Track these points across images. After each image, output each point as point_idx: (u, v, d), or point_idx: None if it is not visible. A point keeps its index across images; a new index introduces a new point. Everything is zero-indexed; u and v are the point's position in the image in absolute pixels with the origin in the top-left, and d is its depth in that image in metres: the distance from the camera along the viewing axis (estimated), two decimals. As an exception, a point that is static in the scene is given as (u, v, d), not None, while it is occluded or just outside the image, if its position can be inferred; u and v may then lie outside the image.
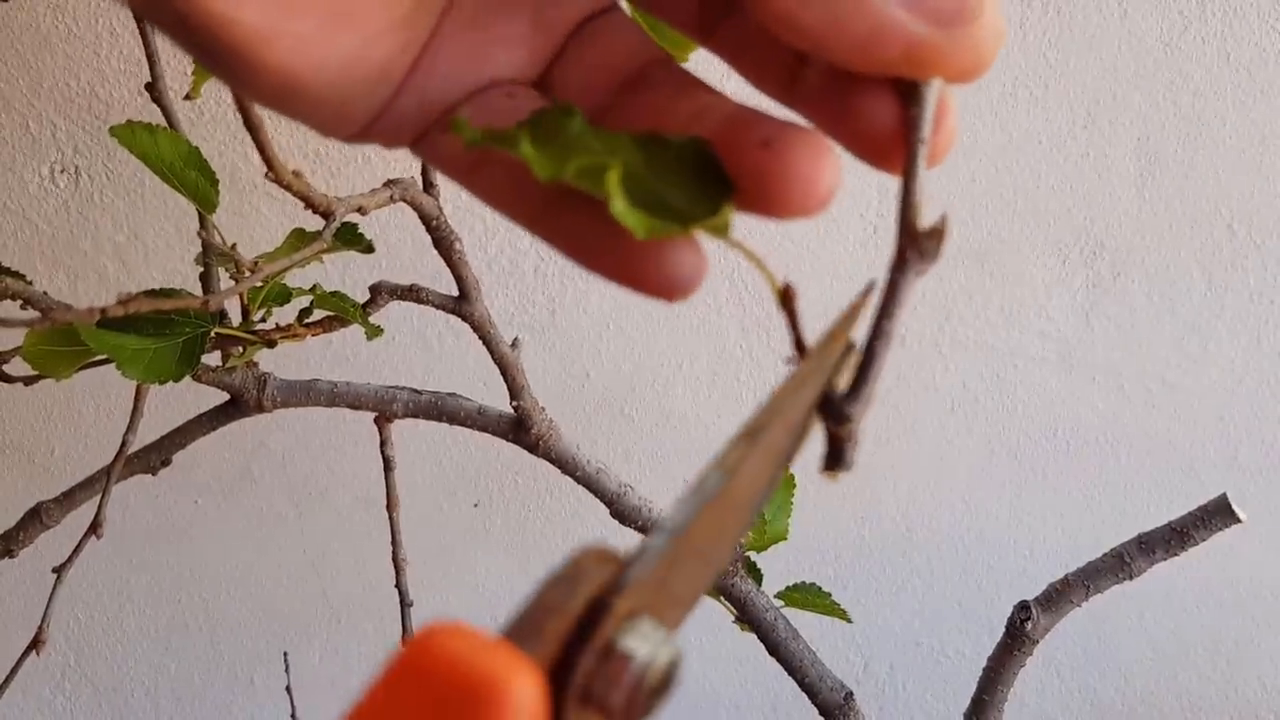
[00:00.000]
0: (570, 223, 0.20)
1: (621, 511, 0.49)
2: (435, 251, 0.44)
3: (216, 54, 0.19)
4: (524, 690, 0.14)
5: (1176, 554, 0.40)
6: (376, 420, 0.50)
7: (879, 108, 0.19)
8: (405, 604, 0.51)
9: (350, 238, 0.42)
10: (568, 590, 0.16)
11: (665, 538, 0.17)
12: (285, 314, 0.44)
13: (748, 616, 0.49)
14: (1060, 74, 0.66)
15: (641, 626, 0.17)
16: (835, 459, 0.20)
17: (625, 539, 0.47)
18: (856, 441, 0.20)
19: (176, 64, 0.53)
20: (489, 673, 0.14)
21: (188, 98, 0.49)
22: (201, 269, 0.44)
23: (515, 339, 0.47)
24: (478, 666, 0.14)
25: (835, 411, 0.20)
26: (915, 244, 0.19)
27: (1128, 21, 0.66)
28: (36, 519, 0.47)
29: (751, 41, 0.21)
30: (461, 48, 0.22)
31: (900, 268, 0.20)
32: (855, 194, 0.64)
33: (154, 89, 0.45)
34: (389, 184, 0.42)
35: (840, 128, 0.19)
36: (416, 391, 0.47)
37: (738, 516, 0.19)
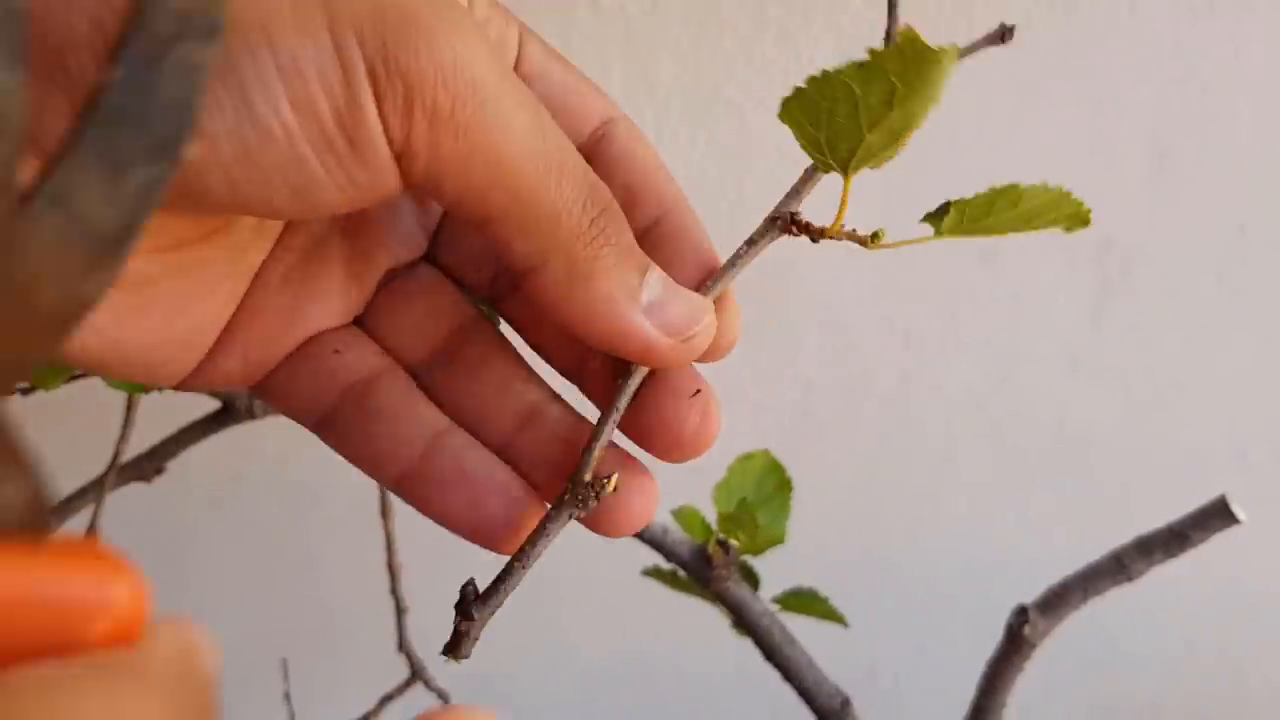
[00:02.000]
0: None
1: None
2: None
3: None
4: None
5: (1175, 555, 0.39)
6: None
7: (661, 408, 0.24)
8: (401, 610, 0.51)
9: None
10: None
11: None
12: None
13: (744, 621, 0.48)
14: (1067, 69, 0.66)
15: None
16: (453, 648, 0.22)
17: (620, 543, 0.46)
18: (475, 638, 0.22)
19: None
20: None
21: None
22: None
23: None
24: None
25: (464, 610, 0.22)
26: (577, 494, 0.23)
27: (1136, 16, 0.65)
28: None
29: (538, 319, 0.26)
30: (276, 309, 0.23)
31: (556, 510, 0.23)
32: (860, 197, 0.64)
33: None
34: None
35: (627, 424, 0.24)
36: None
37: None
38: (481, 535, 0.23)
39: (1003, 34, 0.25)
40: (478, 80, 0.19)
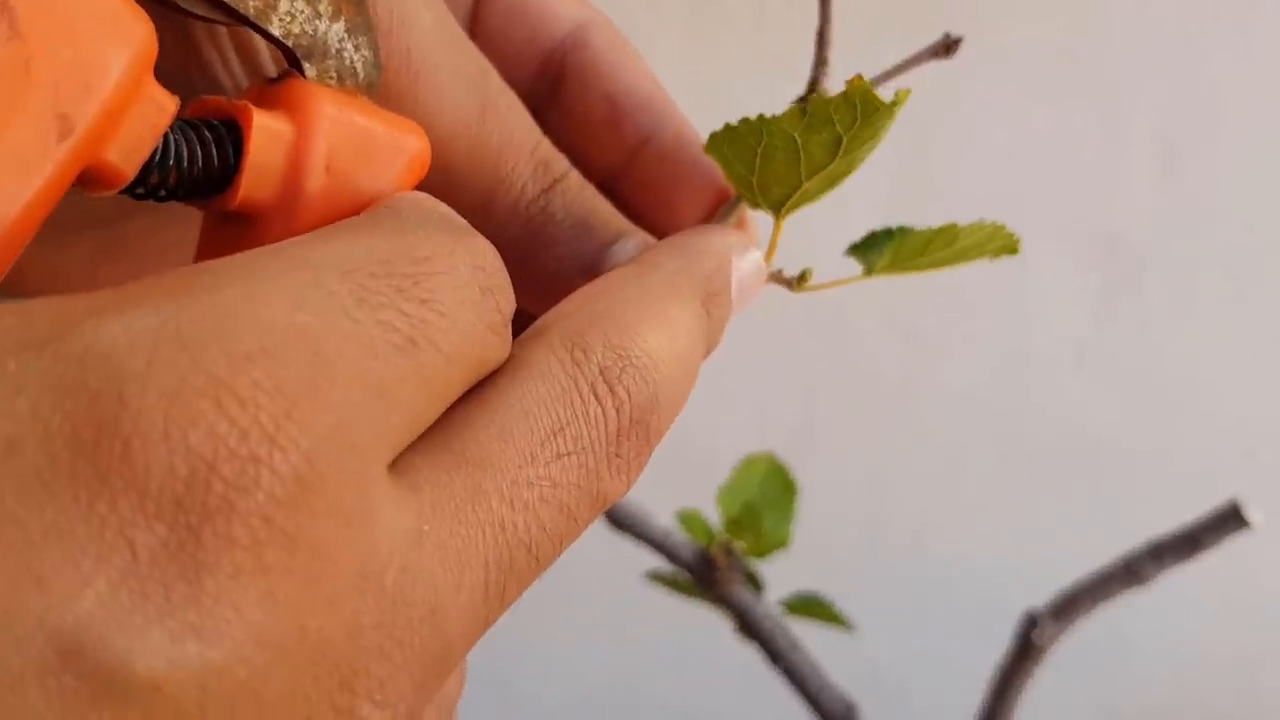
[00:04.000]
0: None
1: (617, 519, 0.48)
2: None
3: None
4: None
5: (1187, 560, 0.39)
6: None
7: None
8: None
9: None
10: None
11: None
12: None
13: (747, 625, 0.48)
14: (1076, 66, 0.65)
15: None
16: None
17: (621, 544, 0.46)
18: None
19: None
20: None
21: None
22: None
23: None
24: None
25: None
26: None
27: (1145, 12, 0.64)
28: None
29: None
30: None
31: None
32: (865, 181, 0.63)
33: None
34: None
35: None
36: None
37: None
38: None
39: (946, 46, 0.23)
40: (411, 41, 0.18)
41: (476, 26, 0.19)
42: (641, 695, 0.77)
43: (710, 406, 0.72)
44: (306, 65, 0.17)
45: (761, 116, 0.20)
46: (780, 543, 0.48)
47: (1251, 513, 0.37)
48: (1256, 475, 0.72)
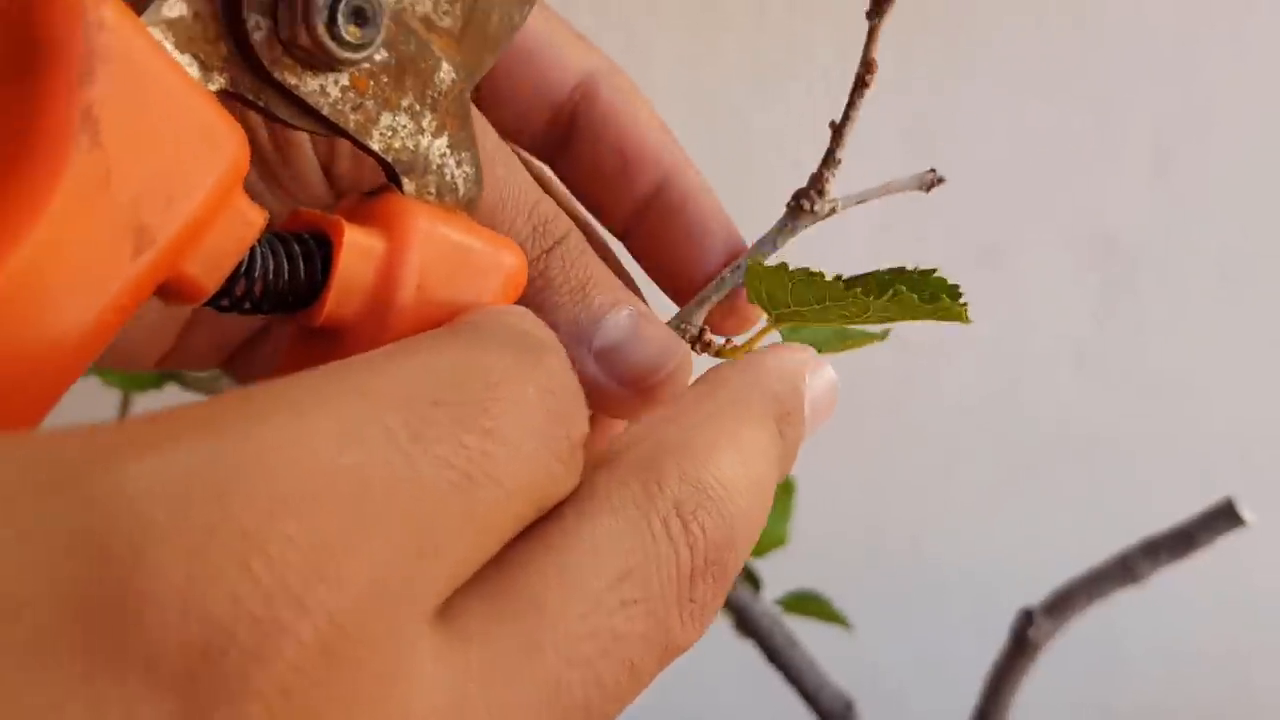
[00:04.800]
0: None
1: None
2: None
3: None
4: None
5: (1181, 557, 0.39)
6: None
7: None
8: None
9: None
10: None
11: None
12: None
13: (745, 623, 0.48)
14: (1073, 71, 0.65)
15: None
16: None
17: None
18: None
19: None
20: None
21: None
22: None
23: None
24: None
25: None
26: None
27: (1141, 17, 0.65)
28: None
29: None
30: None
31: None
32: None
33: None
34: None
35: None
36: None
37: None
38: None
39: (929, 183, 0.23)
40: None
41: (485, 78, 0.19)
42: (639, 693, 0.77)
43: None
44: (405, 180, 0.17)
45: (840, 280, 0.20)
46: (778, 541, 0.48)
47: (1245, 511, 0.38)
48: (1250, 475, 0.72)
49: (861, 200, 0.22)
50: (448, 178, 0.17)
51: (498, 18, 0.17)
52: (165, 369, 0.22)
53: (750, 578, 0.49)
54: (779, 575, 0.51)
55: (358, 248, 0.15)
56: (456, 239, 0.16)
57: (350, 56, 0.15)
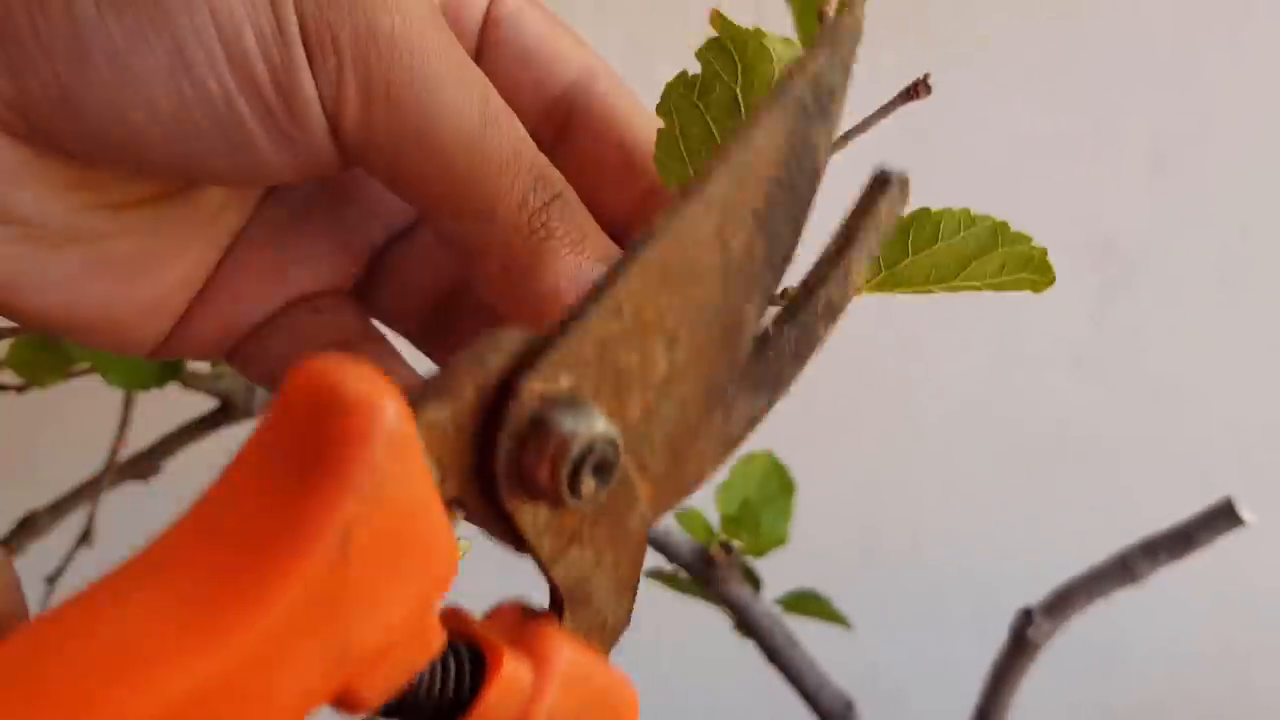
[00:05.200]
0: None
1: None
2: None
3: None
4: (389, 408, 0.13)
5: (1180, 557, 0.39)
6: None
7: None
8: (400, 612, 0.51)
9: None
10: (481, 358, 0.15)
11: (587, 304, 0.16)
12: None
13: (746, 622, 0.48)
14: (1070, 71, 0.65)
15: (571, 401, 0.16)
16: None
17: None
18: None
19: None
20: (353, 390, 0.13)
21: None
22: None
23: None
24: (344, 386, 0.13)
25: None
26: None
27: (1139, 18, 0.65)
28: (28, 527, 0.47)
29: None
30: (258, 270, 0.22)
31: None
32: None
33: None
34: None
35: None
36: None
37: (699, 293, 0.17)
38: None
39: (916, 88, 0.23)
40: (416, 53, 0.18)
41: (481, 69, 0.20)
42: (641, 692, 0.77)
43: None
44: (568, 614, 0.17)
45: (661, 101, 0.21)
46: (778, 541, 0.48)
47: (1245, 511, 0.38)
48: (1250, 475, 0.72)
49: (856, 134, 0.22)
50: (605, 617, 0.18)
51: (695, 467, 0.18)
52: (164, 356, 0.22)
53: (750, 577, 0.49)
54: (779, 575, 0.51)
55: (511, 681, 0.15)
56: (596, 684, 0.17)
57: (576, 503, 0.16)
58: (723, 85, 0.21)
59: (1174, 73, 0.66)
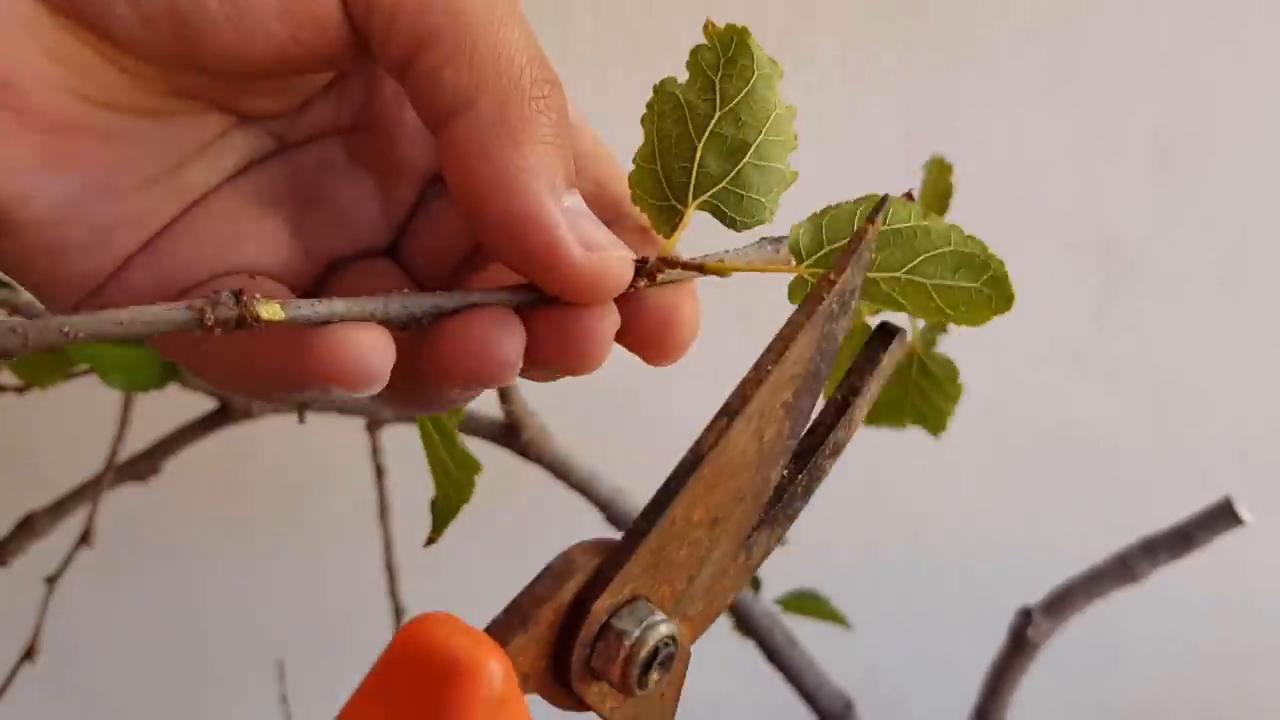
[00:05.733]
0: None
1: (616, 516, 0.48)
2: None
3: None
4: (494, 672, 0.16)
5: (1180, 556, 0.39)
6: (368, 426, 0.50)
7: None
8: (399, 612, 0.51)
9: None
10: (557, 582, 0.18)
11: (647, 525, 0.19)
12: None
13: (745, 623, 0.48)
14: (1072, 71, 0.65)
15: (636, 608, 0.19)
16: None
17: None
18: None
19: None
20: (462, 655, 0.16)
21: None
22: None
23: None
24: (452, 650, 0.16)
25: None
26: None
27: (1141, 16, 0.65)
28: (28, 528, 0.47)
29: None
30: (210, 237, 0.22)
31: None
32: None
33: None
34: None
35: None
36: (407, 397, 0.47)
37: (737, 483, 0.20)
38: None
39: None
40: None
41: None
42: (639, 692, 0.77)
43: (710, 405, 0.72)
44: None
45: (655, 86, 0.22)
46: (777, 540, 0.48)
47: (1244, 511, 0.38)
48: (1249, 475, 0.72)
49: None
50: None
51: (722, 600, 0.21)
52: (93, 304, 0.21)
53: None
54: (778, 575, 0.51)
55: None
56: None
57: (641, 692, 0.19)
58: (703, 78, 0.22)
59: (1175, 73, 0.66)
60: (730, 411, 0.19)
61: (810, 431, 0.22)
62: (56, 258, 0.20)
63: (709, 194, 0.22)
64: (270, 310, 0.18)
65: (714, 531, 0.20)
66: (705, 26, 0.21)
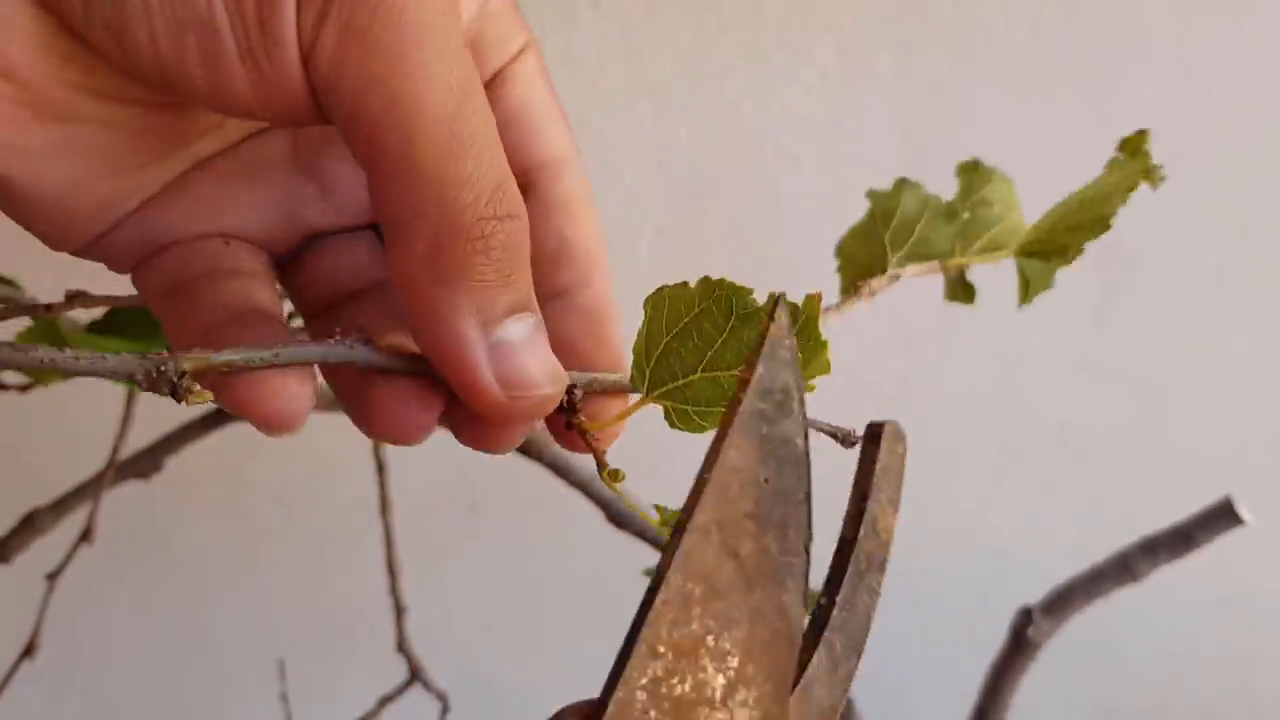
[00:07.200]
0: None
1: (617, 517, 0.48)
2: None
3: None
4: None
5: (1180, 556, 0.39)
6: (369, 425, 0.50)
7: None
8: (400, 609, 0.51)
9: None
10: None
11: (628, 660, 0.18)
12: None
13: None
14: (1070, 70, 0.65)
15: None
16: None
17: (622, 542, 0.46)
18: None
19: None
20: None
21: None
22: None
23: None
24: None
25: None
26: None
27: (1139, 16, 0.65)
28: (30, 525, 0.47)
29: None
30: (201, 200, 0.23)
31: None
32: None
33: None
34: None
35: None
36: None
37: (724, 605, 0.18)
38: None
39: (847, 438, 0.25)
40: (411, 8, 0.18)
41: None
42: (639, 692, 0.77)
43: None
44: None
45: (699, 284, 0.22)
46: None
47: (1244, 511, 0.38)
48: (1249, 475, 0.72)
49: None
50: None
51: None
52: (82, 255, 0.22)
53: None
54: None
55: None
56: None
57: None
58: (713, 327, 0.22)
59: (1175, 72, 0.66)
60: (679, 526, 0.18)
61: (838, 552, 0.22)
62: (56, 222, 0.21)
63: (662, 390, 0.23)
64: (202, 396, 0.19)
65: (728, 664, 0.18)
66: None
